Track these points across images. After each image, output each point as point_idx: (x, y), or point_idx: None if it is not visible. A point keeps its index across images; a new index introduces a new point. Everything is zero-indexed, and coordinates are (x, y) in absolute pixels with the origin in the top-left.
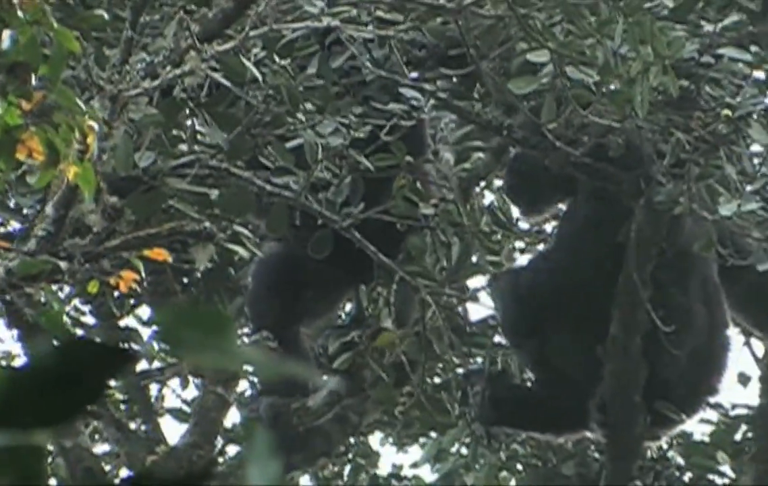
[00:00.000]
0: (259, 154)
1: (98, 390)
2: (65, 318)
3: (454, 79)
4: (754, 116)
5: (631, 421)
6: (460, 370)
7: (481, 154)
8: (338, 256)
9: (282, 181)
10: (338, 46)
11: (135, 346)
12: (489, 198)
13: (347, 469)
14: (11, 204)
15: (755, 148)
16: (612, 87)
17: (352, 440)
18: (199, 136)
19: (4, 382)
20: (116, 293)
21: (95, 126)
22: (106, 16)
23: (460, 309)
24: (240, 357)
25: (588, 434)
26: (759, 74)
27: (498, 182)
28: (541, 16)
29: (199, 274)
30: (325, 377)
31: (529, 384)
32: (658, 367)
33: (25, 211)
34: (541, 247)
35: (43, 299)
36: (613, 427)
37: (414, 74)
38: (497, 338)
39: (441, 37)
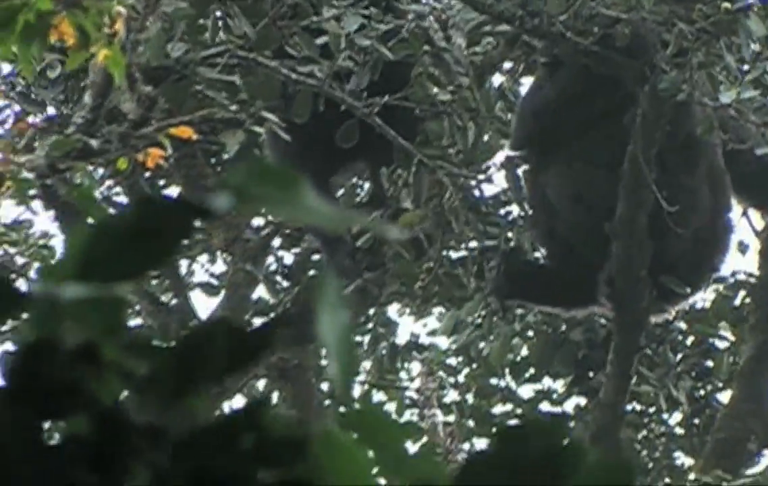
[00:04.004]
0: (285, 44)
1: (175, 244)
2: (98, 196)
3: None
4: (754, 8)
5: (638, 294)
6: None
7: (492, 41)
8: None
9: (307, 70)
10: None
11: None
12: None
13: (367, 338)
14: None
15: (755, 39)
16: None
17: (371, 311)
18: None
19: (86, 237)
20: (147, 174)
21: (123, 12)
22: None
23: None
24: (312, 210)
25: (596, 308)
26: None
27: (508, 65)
28: None
29: (226, 156)
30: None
31: (541, 260)
32: (664, 245)
33: (46, 101)
34: None
35: (77, 181)
36: (621, 300)
37: None
38: (511, 214)
39: None
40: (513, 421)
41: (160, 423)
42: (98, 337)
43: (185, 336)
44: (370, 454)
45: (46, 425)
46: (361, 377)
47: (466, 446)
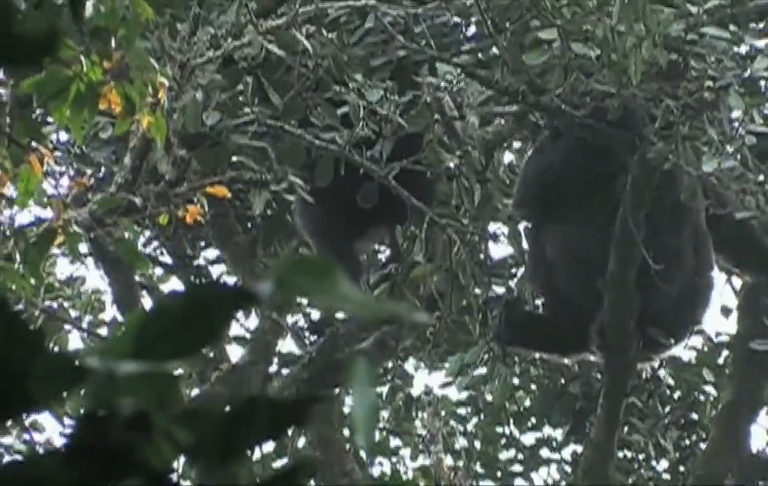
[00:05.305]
0: (309, 114)
1: (222, 326)
2: (144, 251)
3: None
4: (733, 86)
5: (627, 344)
6: (481, 298)
7: (503, 121)
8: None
9: (329, 137)
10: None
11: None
12: (508, 158)
13: (385, 389)
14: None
15: (735, 114)
16: (610, 59)
17: (389, 365)
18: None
19: (141, 319)
20: (188, 235)
21: (166, 83)
22: None
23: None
24: (346, 298)
25: (589, 356)
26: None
27: (517, 144)
28: None
29: (259, 219)
30: (421, 314)
31: (540, 310)
32: (651, 300)
33: (99, 161)
34: None
35: (123, 235)
36: (611, 349)
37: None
38: (513, 270)
39: (465, 16)
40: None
41: (205, 485)
42: (151, 408)
43: (230, 408)
44: None
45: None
46: (380, 425)
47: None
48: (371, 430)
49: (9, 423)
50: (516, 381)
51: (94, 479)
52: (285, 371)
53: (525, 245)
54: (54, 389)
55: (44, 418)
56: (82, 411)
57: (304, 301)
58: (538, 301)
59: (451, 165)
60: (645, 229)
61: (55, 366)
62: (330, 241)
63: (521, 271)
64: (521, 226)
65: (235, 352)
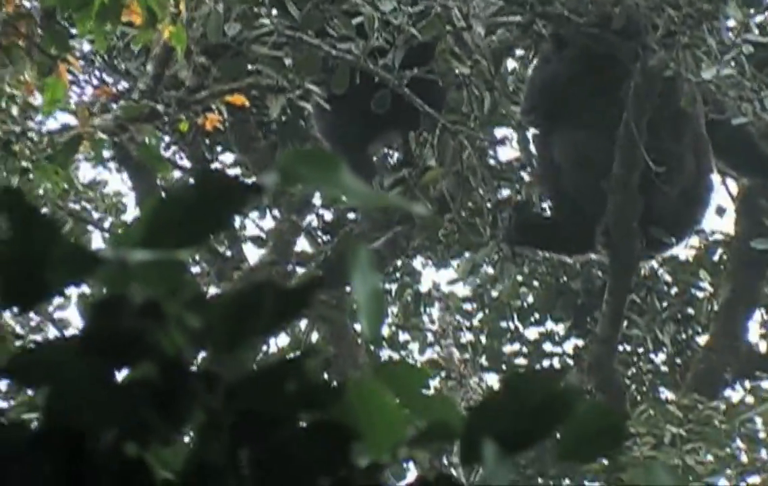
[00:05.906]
0: (326, 25)
1: (230, 216)
2: (164, 156)
3: None
4: None
5: (630, 243)
6: (490, 200)
7: (507, 31)
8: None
9: (345, 47)
10: None
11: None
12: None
13: (394, 286)
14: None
15: (733, 23)
16: None
17: (398, 262)
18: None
19: (152, 208)
20: (207, 141)
21: None
22: None
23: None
24: (349, 189)
25: (593, 255)
26: None
27: (519, 52)
28: None
29: (274, 124)
30: (423, 207)
31: (547, 212)
32: (654, 202)
33: (130, 71)
34: None
35: (145, 141)
36: (615, 248)
37: None
38: (521, 174)
39: None
40: (518, 369)
41: (215, 370)
42: (161, 296)
43: (236, 294)
44: (396, 398)
45: (117, 371)
46: (389, 320)
47: (478, 377)
48: (374, 314)
49: (39, 319)
50: (520, 278)
51: (108, 365)
52: (300, 270)
53: (533, 150)
54: (68, 277)
55: (72, 313)
56: (95, 299)
57: (318, 202)
58: (546, 205)
59: (461, 73)
60: (647, 134)
61: (69, 255)
62: (345, 145)
63: (528, 174)
64: (529, 132)
65: (252, 253)
